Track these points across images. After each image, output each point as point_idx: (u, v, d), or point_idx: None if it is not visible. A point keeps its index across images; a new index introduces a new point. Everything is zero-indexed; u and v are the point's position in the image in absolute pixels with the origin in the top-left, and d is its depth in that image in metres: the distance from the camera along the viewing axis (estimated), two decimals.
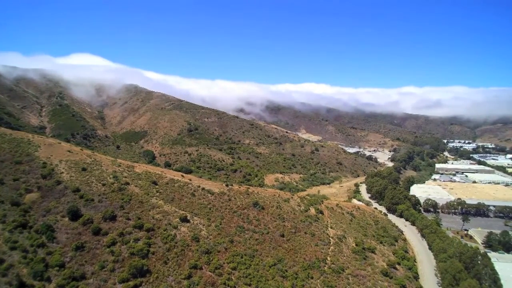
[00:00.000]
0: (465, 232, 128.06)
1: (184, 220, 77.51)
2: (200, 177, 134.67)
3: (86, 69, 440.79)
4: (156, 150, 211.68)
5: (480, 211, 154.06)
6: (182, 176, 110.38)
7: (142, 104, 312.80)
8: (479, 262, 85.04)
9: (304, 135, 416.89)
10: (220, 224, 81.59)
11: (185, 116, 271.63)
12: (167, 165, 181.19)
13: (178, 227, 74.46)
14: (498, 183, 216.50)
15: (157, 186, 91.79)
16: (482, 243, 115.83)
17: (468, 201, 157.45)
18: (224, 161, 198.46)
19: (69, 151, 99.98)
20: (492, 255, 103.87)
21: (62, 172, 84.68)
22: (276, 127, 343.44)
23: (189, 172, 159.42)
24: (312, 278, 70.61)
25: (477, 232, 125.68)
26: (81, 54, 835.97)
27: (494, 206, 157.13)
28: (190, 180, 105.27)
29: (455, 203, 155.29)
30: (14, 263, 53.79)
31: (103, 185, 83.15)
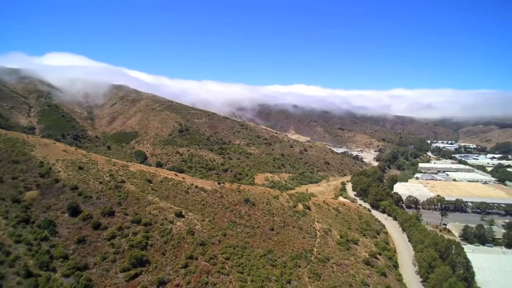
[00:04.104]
0: (444, 226, 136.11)
1: (179, 215, 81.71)
2: (192, 177, 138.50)
3: (72, 69, 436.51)
4: (147, 151, 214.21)
5: (458, 207, 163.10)
6: (176, 175, 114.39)
7: (132, 105, 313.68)
8: (453, 251, 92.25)
9: (293, 135, 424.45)
10: (214, 219, 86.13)
11: (176, 117, 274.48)
12: (159, 165, 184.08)
13: (174, 221, 78.64)
14: (477, 181, 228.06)
15: (152, 184, 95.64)
16: (459, 236, 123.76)
17: (447, 198, 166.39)
18: (215, 161, 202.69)
19: (64, 150, 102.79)
20: (468, 247, 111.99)
21: (60, 171, 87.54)
22: (266, 128, 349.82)
23: (181, 172, 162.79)
24: (299, 267, 76.10)
25: (455, 226, 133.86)
26: (59, 53, 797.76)
27: (471, 202, 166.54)
28: (184, 178, 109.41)
29: (435, 200, 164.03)
30: (20, 255, 56.99)
31: (100, 183, 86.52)
